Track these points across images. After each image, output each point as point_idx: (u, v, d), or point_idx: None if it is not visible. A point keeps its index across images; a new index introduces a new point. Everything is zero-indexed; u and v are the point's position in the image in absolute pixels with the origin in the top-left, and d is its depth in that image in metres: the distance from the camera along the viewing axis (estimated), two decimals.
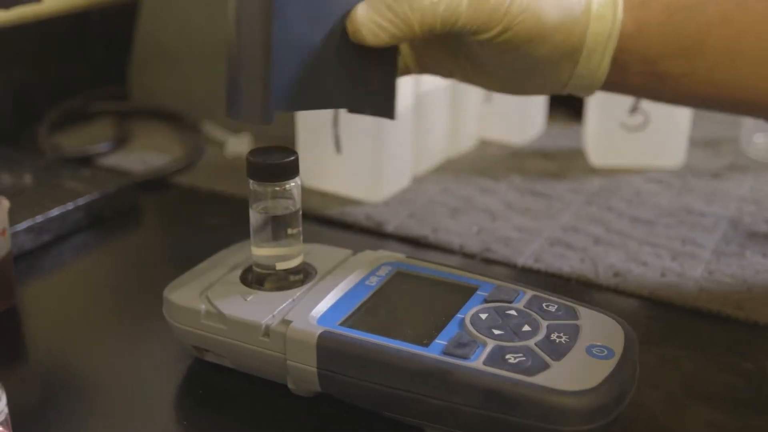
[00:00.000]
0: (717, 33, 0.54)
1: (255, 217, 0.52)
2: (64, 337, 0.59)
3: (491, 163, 0.86)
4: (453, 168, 0.84)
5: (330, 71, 0.53)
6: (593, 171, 0.83)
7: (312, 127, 0.76)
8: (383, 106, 0.56)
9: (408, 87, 0.75)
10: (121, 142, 0.90)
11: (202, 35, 0.93)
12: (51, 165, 0.80)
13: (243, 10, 0.51)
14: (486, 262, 0.67)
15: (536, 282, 0.64)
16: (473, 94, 0.87)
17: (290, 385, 0.50)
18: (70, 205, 0.71)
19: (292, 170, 0.51)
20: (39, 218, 0.69)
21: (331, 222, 0.74)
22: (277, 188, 0.51)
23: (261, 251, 0.53)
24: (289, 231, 0.52)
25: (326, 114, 0.75)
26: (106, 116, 0.97)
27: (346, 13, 0.52)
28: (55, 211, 0.70)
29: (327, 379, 0.48)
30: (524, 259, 0.67)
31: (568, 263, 0.66)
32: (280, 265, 0.53)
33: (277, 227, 0.52)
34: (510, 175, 0.82)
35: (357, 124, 0.74)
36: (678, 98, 0.58)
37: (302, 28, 0.51)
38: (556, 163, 0.85)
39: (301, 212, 0.53)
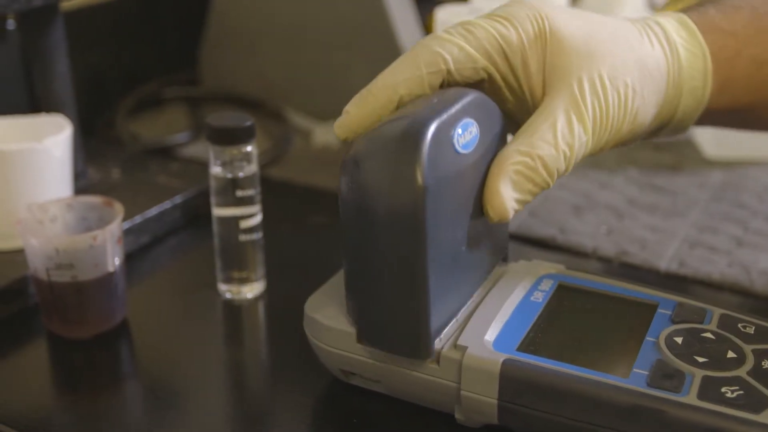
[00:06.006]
0: None
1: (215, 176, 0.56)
2: (173, 349, 0.55)
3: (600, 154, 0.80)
4: None
5: (471, 262, 0.46)
6: (710, 163, 0.78)
7: None
8: (502, 249, 0.51)
9: None
10: (198, 131, 0.85)
11: (280, 17, 0.87)
12: (136, 157, 0.74)
13: (380, 237, 0.42)
14: (624, 266, 0.62)
15: (683, 289, 0.58)
16: None
17: (458, 416, 0.45)
18: (167, 204, 0.66)
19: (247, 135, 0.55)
20: (137, 218, 0.64)
21: None
22: (235, 151, 0.55)
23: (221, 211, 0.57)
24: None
25: None
26: (177, 102, 0.91)
27: (476, 199, 0.44)
28: (153, 210, 0.65)
29: (509, 411, 0.43)
30: (667, 264, 0.62)
31: (717, 268, 0.61)
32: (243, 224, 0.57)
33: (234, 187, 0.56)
34: (625, 168, 0.77)
35: None
36: (746, 129, 0.56)
37: (447, 235, 0.43)
38: (670, 155, 0.79)
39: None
